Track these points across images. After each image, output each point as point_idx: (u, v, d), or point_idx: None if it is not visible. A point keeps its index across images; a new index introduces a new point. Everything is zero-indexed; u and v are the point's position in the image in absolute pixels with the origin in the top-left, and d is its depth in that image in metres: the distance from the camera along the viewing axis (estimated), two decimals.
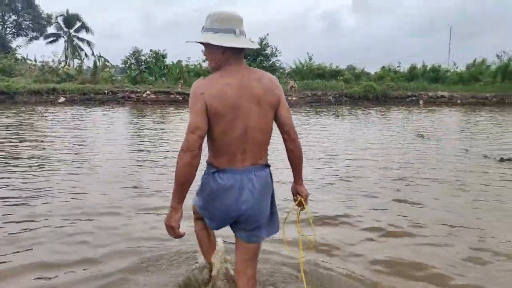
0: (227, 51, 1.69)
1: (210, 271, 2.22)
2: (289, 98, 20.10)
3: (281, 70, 25.36)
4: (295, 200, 2.01)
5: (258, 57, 23.60)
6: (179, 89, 20.28)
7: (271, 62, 24.08)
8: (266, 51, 23.72)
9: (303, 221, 2.59)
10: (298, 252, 2.07)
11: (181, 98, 19.81)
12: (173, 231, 1.70)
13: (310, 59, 25.66)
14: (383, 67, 26.46)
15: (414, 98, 23.04)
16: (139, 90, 19.65)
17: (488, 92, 23.62)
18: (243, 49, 1.73)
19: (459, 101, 23.08)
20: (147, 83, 21.30)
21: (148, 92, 19.61)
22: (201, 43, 1.74)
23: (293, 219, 2.18)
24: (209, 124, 1.68)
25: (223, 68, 1.72)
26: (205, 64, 24.35)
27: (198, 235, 2.18)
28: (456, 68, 27.43)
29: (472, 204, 4.14)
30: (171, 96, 19.80)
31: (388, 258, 2.86)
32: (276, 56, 23.87)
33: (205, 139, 1.70)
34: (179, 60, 23.35)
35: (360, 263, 2.79)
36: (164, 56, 23.27)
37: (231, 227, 1.89)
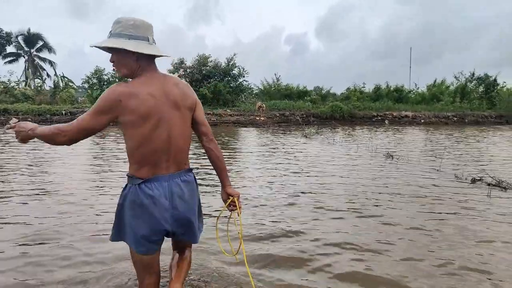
0: (141, 59, 1.67)
1: None
2: (257, 118, 19.86)
3: (249, 91, 25.24)
4: (225, 203, 1.97)
5: (225, 77, 23.36)
6: None
7: (238, 82, 23.89)
8: (234, 72, 23.54)
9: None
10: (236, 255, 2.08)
11: None
12: (26, 134, 1.75)
13: (278, 79, 25.90)
14: (348, 88, 26.98)
15: (379, 118, 23.50)
16: None
17: (449, 111, 24.52)
18: (155, 56, 1.72)
19: (422, 121, 23.76)
20: None
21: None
22: (110, 49, 1.66)
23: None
24: (129, 134, 1.66)
25: (141, 75, 1.70)
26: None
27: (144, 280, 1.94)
28: (417, 88, 28.49)
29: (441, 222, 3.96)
30: None
31: (347, 272, 2.75)
32: (244, 76, 23.76)
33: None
34: None
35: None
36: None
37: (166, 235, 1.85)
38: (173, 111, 1.71)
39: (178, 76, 23.10)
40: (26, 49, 41.27)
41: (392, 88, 27.52)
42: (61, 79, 25.63)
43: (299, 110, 22.41)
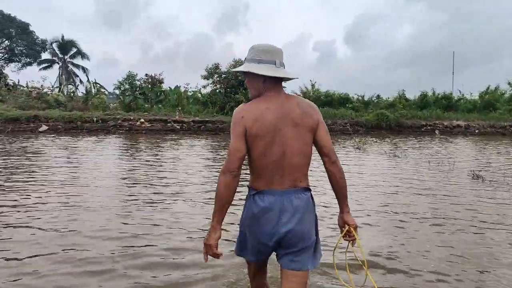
0: (268, 80, 1.80)
1: None
2: None
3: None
4: (342, 232, 1.90)
5: None
6: (177, 117, 18.56)
7: None
8: None
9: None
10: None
11: (178, 127, 18.05)
12: (211, 249, 1.76)
13: (313, 86, 24.30)
14: (378, 98, 25.06)
15: (429, 127, 21.56)
16: (132, 118, 17.90)
17: (505, 120, 22.23)
18: (282, 79, 1.83)
19: (476, 131, 21.62)
20: (142, 110, 19.61)
21: (142, 120, 17.85)
22: (243, 72, 1.86)
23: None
24: (249, 147, 1.76)
25: (264, 95, 1.82)
26: (205, 91, 22.82)
27: None
28: (462, 95, 26.14)
29: None
30: (168, 124, 18.04)
31: None
32: None
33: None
34: (177, 86, 21.81)
35: None
36: (161, 81, 21.73)
37: (276, 256, 1.86)
38: (291, 129, 1.77)
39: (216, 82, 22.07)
40: (60, 55, 41.87)
41: (440, 96, 25.37)
42: (93, 85, 25.16)
43: (341, 118, 20.81)
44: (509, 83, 26.88)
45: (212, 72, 21.98)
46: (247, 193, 1.86)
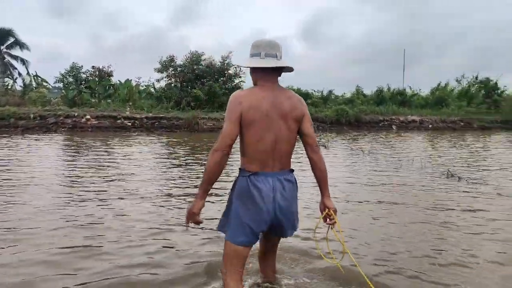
0: (256, 72, 2.01)
1: None
2: None
3: None
4: (322, 214, 2.05)
5: (220, 77, 21.09)
6: (128, 113, 17.08)
7: (234, 83, 21.66)
8: (229, 71, 21.29)
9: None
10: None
11: (129, 124, 16.59)
12: (194, 217, 1.93)
13: None
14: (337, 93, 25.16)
15: (386, 122, 21.88)
16: (76, 114, 16.16)
17: (456, 116, 23.17)
18: (273, 70, 1.98)
19: (430, 126, 22.30)
20: (88, 105, 17.84)
21: (88, 116, 16.18)
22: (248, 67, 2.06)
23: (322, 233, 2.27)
24: (244, 132, 1.92)
25: (259, 84, 1.99)
26: (159, 85, 21.39)
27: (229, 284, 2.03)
28: (416, 91, 26.98)
29: None
30: (118, 121, 16.52)
31: None
32: (240, 77, 21.53)
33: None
34: (127, 80, 20.17)
35: None
36: (109, 74, 19.98)
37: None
38: (281, 120, 1.94)
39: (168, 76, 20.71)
40: None
41: (395, 91, 25.96)
42: (33, 78, 22.70)
43: None
44: (457, 80, 28.27)
45: (167, 65, 20.61)
46: (238, 176, 2.01)
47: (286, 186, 1.97)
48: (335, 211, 2.04)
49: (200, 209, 1.92)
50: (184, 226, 2.00)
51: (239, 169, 2.02)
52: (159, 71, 20.65)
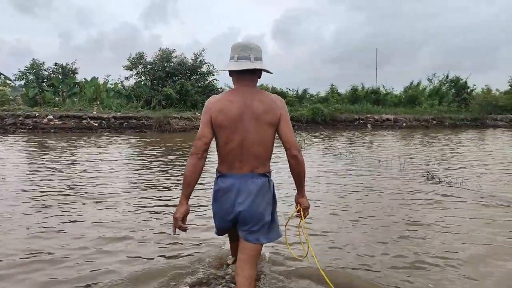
0: (232, 74, 2.03)
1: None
2: None
3: (220, 90, 22.39)
4: (296, 210, 2.21)
5: (193, 75, 20.38)
6: (94, 113, 16.14)
7: (207, 81, 21.00)
8: (202, 69, 20.62)
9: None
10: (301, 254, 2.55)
11: (96, 125, 15.68)
12: (177, 222, 1.95)
13: None
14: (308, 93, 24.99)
15: (361, 121, 21.89)
16: (37, 114, 15.09)
17: (428, 114, 23.53)
18: (249, 72, 1.98)
19: (404, 124, 22.52)
20: (51, 105, 16.74)
21: (50, 116, 15.15)
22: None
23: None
24: (216, 135, 1.98)
25: (235, 86, 2.03)
26: (128, 83, 20.43)
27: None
28: (389, 89, 27.21)
29: None
30: (83, 121, 15.57)
31: None
32: (213, 74, 20.90)
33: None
34: (94, 77, 19.11)
35: None
36: (74, 72, 18.87)
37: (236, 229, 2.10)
38: (252, 122, 1.94)
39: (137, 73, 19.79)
40: None
41: (369, 90, 26.08)
42: None
43: None
44: (428, 79, 28.78)
45: (136, 62, 19.70)
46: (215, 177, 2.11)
47: (252, 189, 1.98)
48: (306, 208, 2.17)
49: (184, 214, 1.96)
50: (172, 233, 2.06)
51: (216, 170, 2.12)
52: (128, 68, 19.72)
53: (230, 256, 2.62)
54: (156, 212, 4.18)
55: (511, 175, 6.80)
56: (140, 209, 4.30)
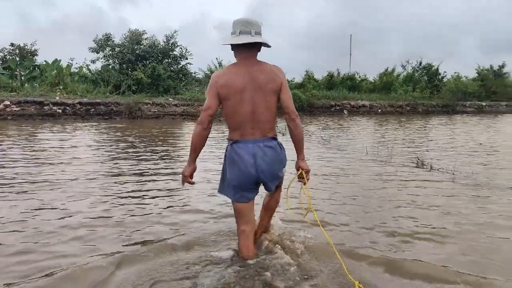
0: (235, 47, 2.20)
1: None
2: None
3: (194, 74, 21.42)
4: (297, 173, 2.35)
5: (165, 58, 19.31)
6: (58, 99, 14.90)
7: (181, 65, 19.99)
8: (175, 52, 19.56)
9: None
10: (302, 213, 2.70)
11: (60, 111, 14.50)
12: (186, 179, 2.27)
13: (220, 64, 22.22)
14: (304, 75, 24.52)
15: (337, 107, 21.74)
16: None
17: (402, 101, 23.74)
18: (251, 45, 2.16)
19: (379, 110, 22.60)
20: (7, 89, 15.31)
21: (7, 102, 13.83)
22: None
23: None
24: (223, 106, 2.19)
25: (238, 60, 2.22)
26: (94, 66, 19.10)
27: (239, 240, 2.43)
28: (359, 76, 27.08)
29: None
30: (45, 108, 14.34)
31: None
32: (187, 58, 19.88)
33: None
34: (56, 60, 17.66)
35: None
36: (33, 54, 17.35)
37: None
38: (257, 91, 2.14)
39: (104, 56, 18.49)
40: None
41: (345, 77, 25.91)
42: None
43: None
44: (402, 66, 28.98)
45: (103, 44, 18.38)
46: (227, 145, 2.30)
47: (267, 151, 2.18)
48: (307, 172, 2.32)
49: (191, 173, 2.26)
50: (181, 186, 2.45)
51: (227, 138, 2.29)
52: (94, 50, 18.38)
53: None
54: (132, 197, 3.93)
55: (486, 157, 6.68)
56: (112, 196, 4.04)
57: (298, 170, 2.33)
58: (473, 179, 5.23)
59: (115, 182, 4.79)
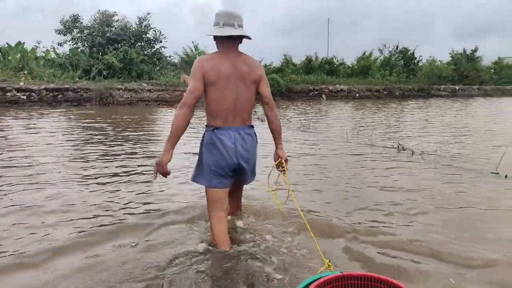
0: (216, 39, 2.26)
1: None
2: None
3: (169, 58, 20.62)
4: (275, 162, 2.43)
5: (138, 42, 18.49)
6: (22, 84, 14.00)
7: (155, 49, 19.22)
8: (148, 35, 18.74)
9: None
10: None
11: (24, 98, 13.65)
12: (162, 168, 2.16)
13: (196, 48, 21.43)
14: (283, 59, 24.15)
15: (316, 92, 21.60)
16: None
17: (379, 85, 23.86)
18: (233, 37, 2.22)
19: (357, 95, 22.64)
20: None
21: None
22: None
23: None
24: (207, 91, 2.20)
25: (220, 50, 2.26)
26: (62, 50, 18.08)
27: (214, 228, 2.37)
28: (336, 60, 26.97)
29: None
30: (8, 94, 13.44)
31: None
32: (161, 42, 19.09)
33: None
34: (19, 42, 16.55)
35: None
36: None
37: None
38: (239, 81, 2.22)
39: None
40: None
41: (323, 61, 25.74)
42: None
43: None
44: (379, 50, 29.06)
45: (71, 26, 17.36)
46: (204, 131, 2.33)
47: (246, 138, 2.28)
48: (286, 160, 2.42)
49: (167, 161, 2.16)
50: (153, 177, 2.20)
51: (205, 125, 2.32)
52: (62, 33, 17.36)
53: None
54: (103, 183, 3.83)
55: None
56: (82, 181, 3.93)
57: (277, 159, 2.39)
58: (451, 161, 5.29)
59: (81, 171, 4.42)
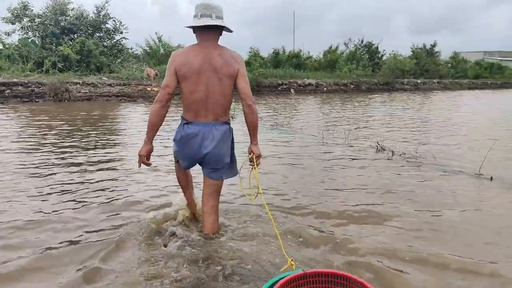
0: (195, 30, 2.23)
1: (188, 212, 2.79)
2: (149, 88, 15.06)
3: (131, 50, 19.52)
4: (248, 156, 2.45)
5: (96, 32, 17.28)
6: None
7: (115, 40, 18.06)
8: (108, 25, 17.57)
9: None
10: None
11: None
12: (142, 159, 2.30)
13: (160, 39, 20.46)
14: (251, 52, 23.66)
15: (285, 86, 21.36)
16: None
17: (346, 79, 24.05)
18: (211, 28, 2.18)
19: (325, 89, 22.66)
20: None
21: None
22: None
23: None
24: (181, 85, 2.22)
25: (198, 42, 2.24)
26: (10, 40, 16.52)
27: (178, 175, 2.63)
28: (303, 53, 26.94)
29: None
30: None
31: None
32: (122, 32, 17.96)
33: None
34: None
35: None
36: None
37: (201, 166, 2.45)
38: (213, 74, 2.18)
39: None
40: None
41: (291, 54, 25.53)
42: None
43: None
44: (345, 44, 29.33)
45: (20, 14, 15.86)
46: (180, 122, 2.36)
47: (216, 134, 2.27)
48: (258, 156, 2.42)
49: (148, 152, 2.30)
50: (138, 167, 2.37)
51: (181, 117, 2.36)
52: (9, 21, 15.83)
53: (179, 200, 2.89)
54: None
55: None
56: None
57: (250, 153, 2.43)
58: (422, 159, 5.23)
59: (39, 175, 3.76)
